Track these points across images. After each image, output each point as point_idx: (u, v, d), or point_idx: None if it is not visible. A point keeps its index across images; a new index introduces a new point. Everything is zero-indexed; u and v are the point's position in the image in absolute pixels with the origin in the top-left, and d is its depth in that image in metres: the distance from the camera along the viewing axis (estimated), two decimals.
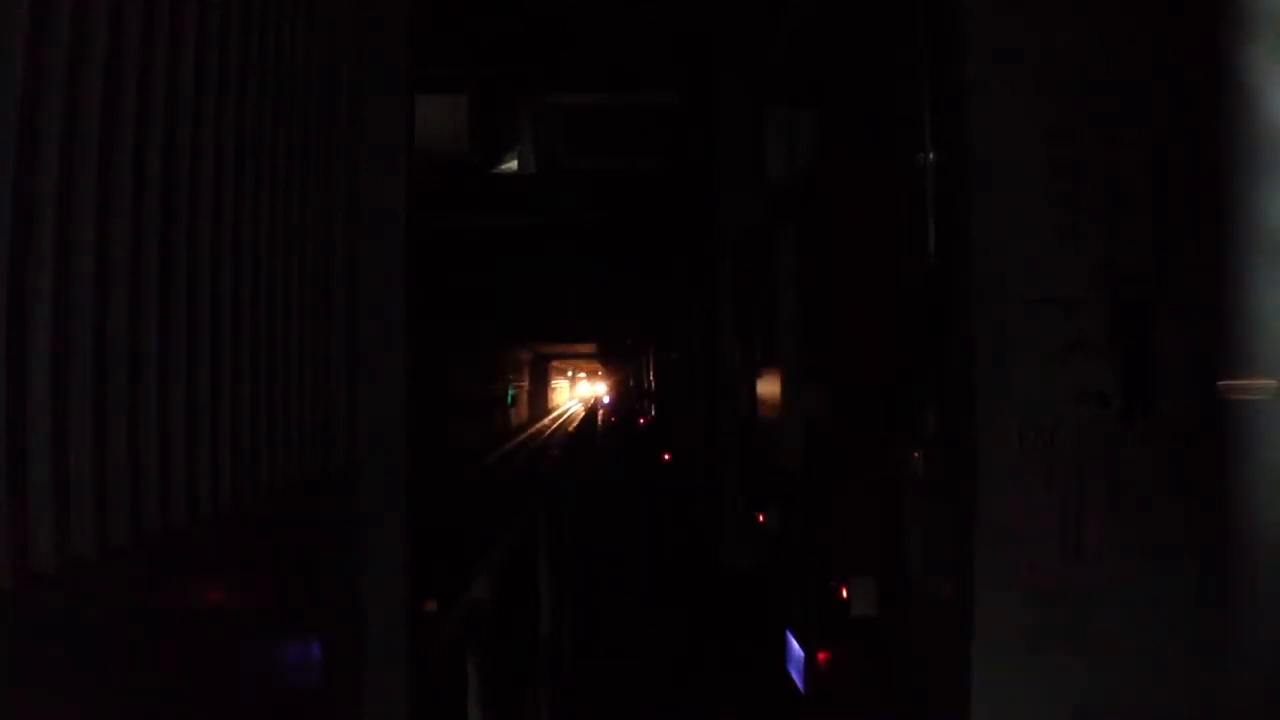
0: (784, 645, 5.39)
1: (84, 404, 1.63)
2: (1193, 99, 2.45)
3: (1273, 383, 2.44)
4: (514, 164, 6.95)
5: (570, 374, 61.36)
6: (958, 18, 3.03)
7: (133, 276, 1.76)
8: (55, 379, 1.55)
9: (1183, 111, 2.69)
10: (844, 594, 3.93)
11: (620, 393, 31.01)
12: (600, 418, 31.11)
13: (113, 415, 1.71)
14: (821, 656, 4.61)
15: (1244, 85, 2.25)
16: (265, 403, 2.42)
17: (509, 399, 34.64)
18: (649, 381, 18.63)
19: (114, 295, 1.71)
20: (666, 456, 15.26)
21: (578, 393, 65.32)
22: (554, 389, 57.66)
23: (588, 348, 34.32)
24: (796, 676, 5.05)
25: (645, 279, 15.34)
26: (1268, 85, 2.24)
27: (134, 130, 1.76)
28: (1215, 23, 2.29)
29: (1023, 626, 2.86)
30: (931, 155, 3.22)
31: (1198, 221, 2.59)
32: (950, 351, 3.17)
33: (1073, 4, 3.00)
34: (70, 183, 1.58)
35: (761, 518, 5.96)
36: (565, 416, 45.40)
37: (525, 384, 40.99)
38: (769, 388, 5.64)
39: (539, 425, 39.32)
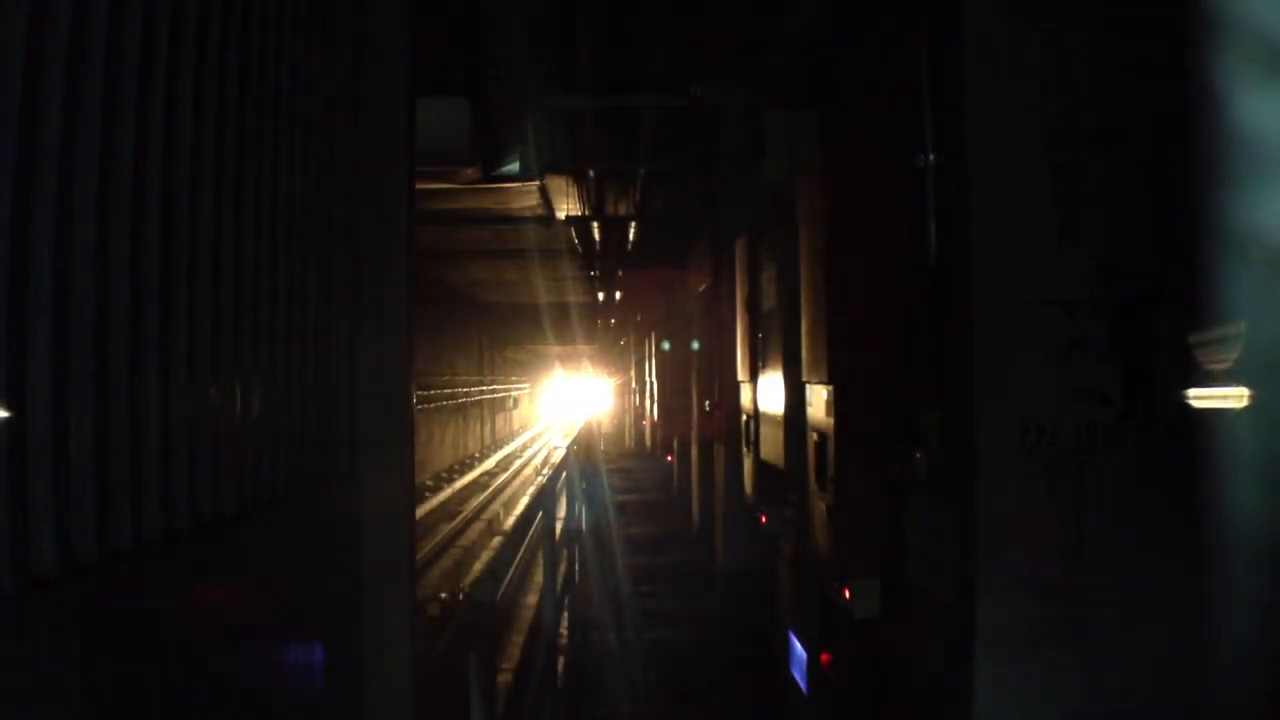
0: (788, 646, 5.39)
1: (85, 406, 1.64)
2: (1188, 101, 2.45)
3: (1243, 390, 2.45)
4: (515, 166, 6.95)
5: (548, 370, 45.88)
6: (957, 20, 3.03)
7: (133, 277, 1.77)
8: (56, 380, 1.55)
9: (1179, 114, 2.69)
10: (846, 595, 3.94)
11: (621, 395, 30.97)
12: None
13: (114, 418, 1.72)
14: (824, 658, 4.62)
15: (1221, 89, 2.26)
16: (268, 405, 2.42)
17: None
18: (650, 382, 18.60)
19: (114, 297, 1.72)
20: (669, 458, 15.26)
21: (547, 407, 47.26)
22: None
23: (585, 348, 34.32)
24: (799, 677, 5.05)
25: (646, 278, 15.33)
26: (1242, 90, 2.25)
27: (134, 132, 1.76)
28: (1198, 28, 2.31)
29: (1023, 626, 2.87)
30: (931, 156, 3.23)
31: (1197, 223, 2.60)
32: (951, 352, 3.17)
33: (1072, 8, 3.01)
34: (69, 185, 1.59)
35: (764, 519, 5.96)
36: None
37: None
38: (771, 388, 5.64)
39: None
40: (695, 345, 11.23)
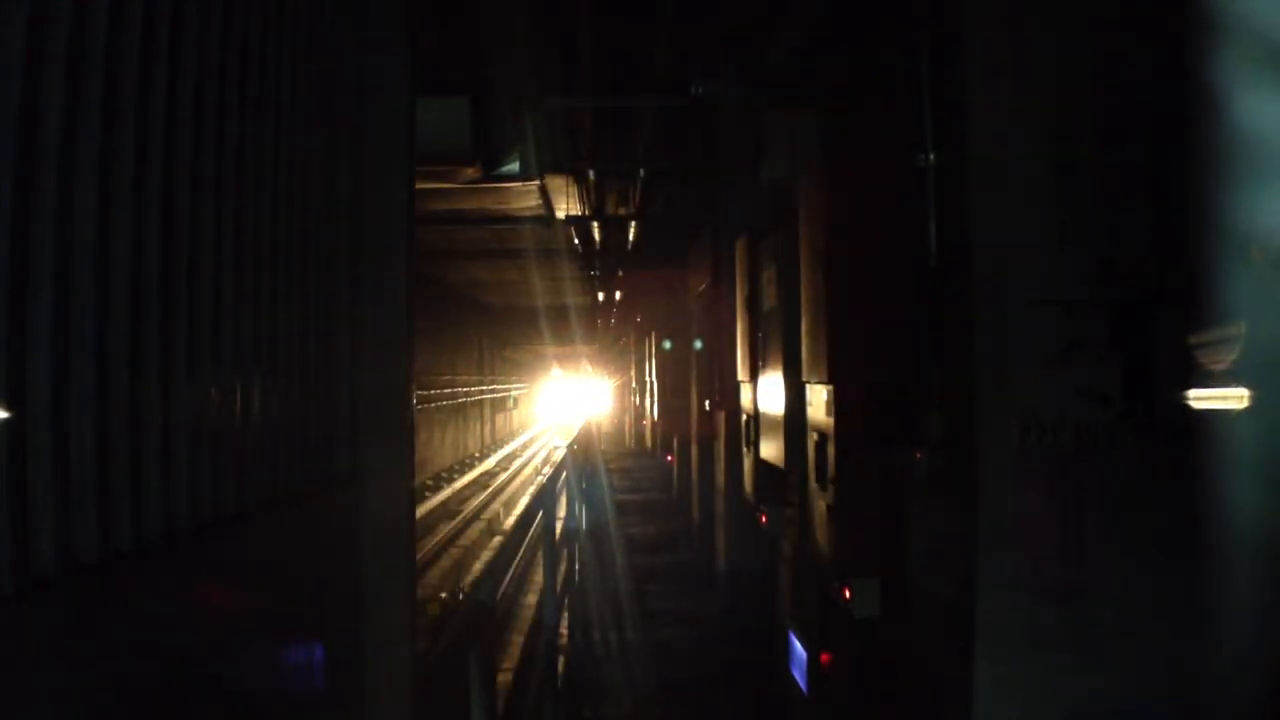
0: (788, 646, 5.39)
1: (85, 406, 1.63)
2: (1188, 101, 2.46)
3: (1243, 392, 2.45)
4: (515, 166, 6.94)
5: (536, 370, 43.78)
6: (957, 20, 3.03)
7: (133, 277, 1.77)
8: (56, 380, 1.55)
9: (1180, 114, 2.70)
10: (846, 595, 3.93)
11: (620, 395, 30.98)
12: None
13: (114, 418, 1.72)
14: (824, 657, 4.62)
15: (1221, 89, 2.26)
16: (269, 405, 2.42)
17: None
18: (650, 382, 18.60)
19: (114, 297, 1.72)
20: (670, 458, 15.27)
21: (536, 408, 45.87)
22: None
23: (585, 348, 34.31)
24: (799, 677, 5.05)
25: (646, 278, 15.33)
26: (1242, 90, 2.25)
27: (134, 132, 1.76)
28: (1198, 28, 2.31)
29: (1023, 626, 2.87)
30: (931, 156, 3.23)
31: (1197, 223, 2.60)
32: (951, 352, 3.17)
33: (1072, 7, 3.01)
34: (69, 185, 1.59)
35: (764, 519, 5.96)
36: None
37: None
38: (771, 388, 5.64)
39: None
40: (695, 345, 11.23)
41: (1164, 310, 2.91)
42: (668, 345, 14.99)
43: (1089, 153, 2.94)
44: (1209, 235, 2.40)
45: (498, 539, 14.69)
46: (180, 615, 1.93)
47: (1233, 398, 2.53)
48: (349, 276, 3.03)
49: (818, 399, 4.40)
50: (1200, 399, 2.74)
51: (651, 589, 9.34)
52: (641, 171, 9.93)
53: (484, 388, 28.35)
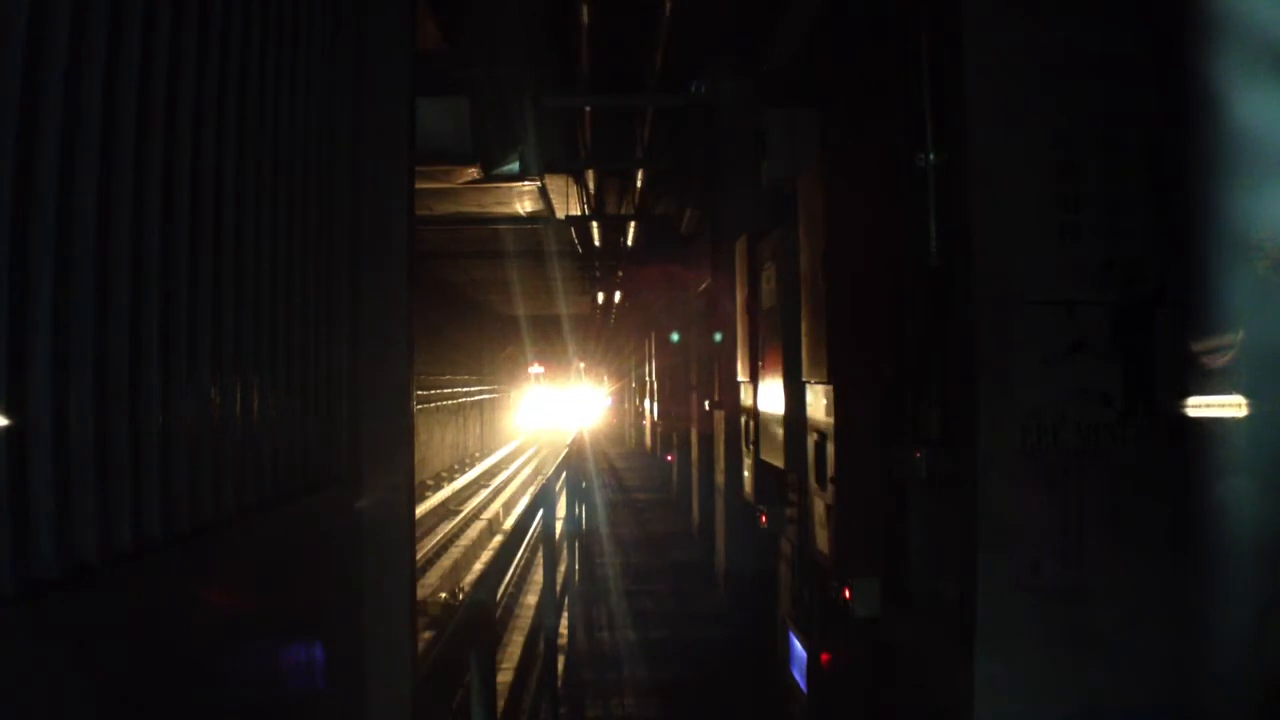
0: (788, 646, 5.39)
1: (85, 406, 1.63)
2: (1188, 101, 2.46)
3: (1241, 399, 2.45)
4: (515, 165, 6.95)
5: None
6: (958, 20, 3.03)
7: (133, 277, 1.77)
8: (56, 380, 1.55)
9: (1180, 114, 2.70)
10: (846, 595, 3.93)
11: (621, 397, 30.98)
12: None
13: (114, 418, 1.72)
14: (824, 657, 4.62)
15: (1221, 90, 2.27)
16: (269, 405, 2.42)
17: None
18: (650, 383, 18.61)
19: (114, 296, 1.72)
20: (670, 457, 15.27)
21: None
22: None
23: (584, 348, 34.32)
24: (799, 677, 5.05)
25: (646, 278, 15.32)
26: (1242, 91, 2.25)
27: (134, 132, 1.76)
28: (1199, 28, 2.31)
29: (1024, 626, 2.87)
30: (932, 155, 3.23)
31: (1197, 223, 2.60)
32: (952, 352, 3.17)
33: (1074, 8, 3.01)
34: (69, 185, 1.59)
35: (764, 518, 5.96)
36: None
37: None
38: (771, 388, 5.64)
39: None
40: (695, 345, 11.23)
41: (1164, 310, 2.92)
42: (675, 338, 14.99)
43: (1090, 152, 2.94)
44: (1209, 235, 2.41)
45: (498, 538, 14.69)
46: (180, 615, 1.93)
47: (1231, 405, 2.53)
48: (349, 277, 3.02)
49: (818, 399, 4.40)
50: (1199, 406, 2.75)
51: (651, 588, 9.34)
52: (641, 171, 9.94)
53: (483, 388, 28.38)
